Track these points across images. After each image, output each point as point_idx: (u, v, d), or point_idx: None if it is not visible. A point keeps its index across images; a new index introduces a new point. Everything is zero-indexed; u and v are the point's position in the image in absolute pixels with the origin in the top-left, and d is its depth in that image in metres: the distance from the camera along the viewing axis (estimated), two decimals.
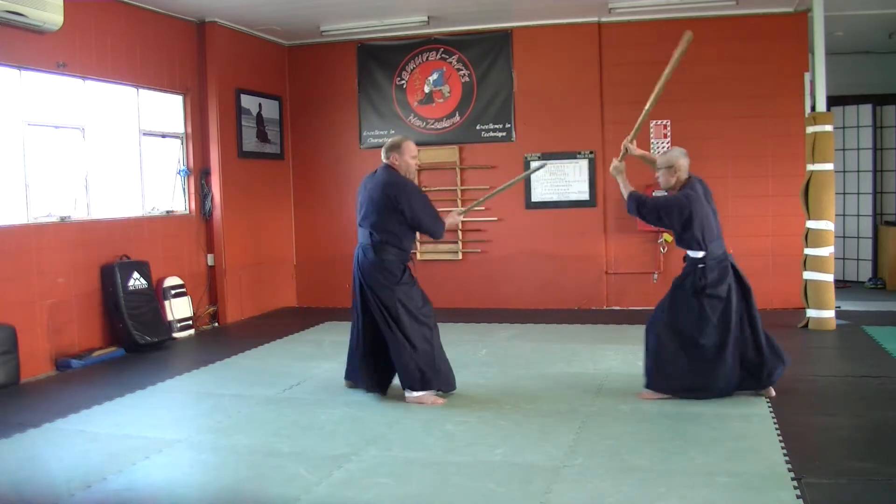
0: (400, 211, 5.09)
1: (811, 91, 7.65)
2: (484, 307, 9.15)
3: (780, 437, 4.25)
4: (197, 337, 8.06)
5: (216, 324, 8.67)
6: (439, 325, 8.32)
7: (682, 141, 8.75)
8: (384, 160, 5.38)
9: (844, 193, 10.19)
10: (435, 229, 5.23)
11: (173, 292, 7.91)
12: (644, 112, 5.29)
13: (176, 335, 7.83)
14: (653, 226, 5.45)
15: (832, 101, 8.49)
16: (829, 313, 7.33)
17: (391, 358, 5.16)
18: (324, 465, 4.07)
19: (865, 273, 10.23)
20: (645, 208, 5.04)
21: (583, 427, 4.56)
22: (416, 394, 5.11)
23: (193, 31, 8.51)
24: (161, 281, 7.83)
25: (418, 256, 9.56)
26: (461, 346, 7.00)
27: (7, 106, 6.37)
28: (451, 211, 5.73)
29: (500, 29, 9.14)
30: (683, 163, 5.06)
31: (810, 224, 7.34)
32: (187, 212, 8.51)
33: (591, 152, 8.96)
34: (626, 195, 5.17)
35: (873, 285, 9.96)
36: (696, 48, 8.60)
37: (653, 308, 5.28)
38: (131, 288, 7.26)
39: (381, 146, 9.53)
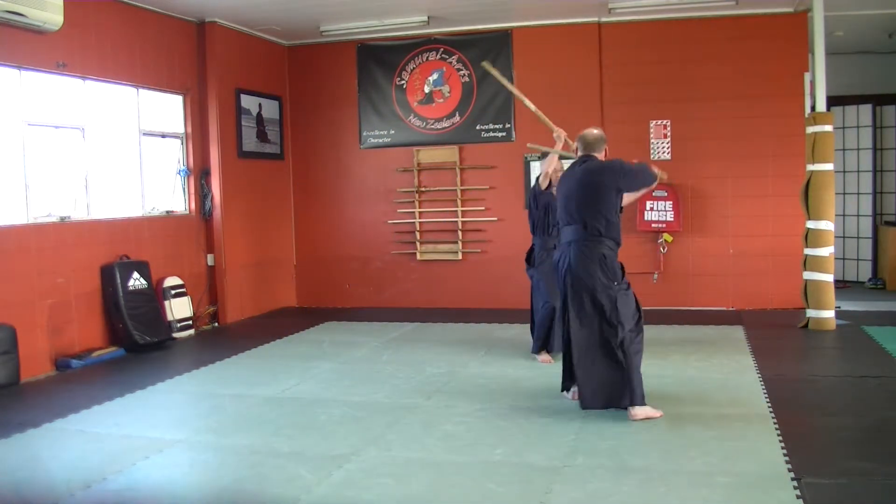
0: None
1: (811, 91, 7.65)
2: (484, 307, 9.15)
3: (780, 437, 4.25)
4: (197, 337, 8.06)
5: (216, 324, 8.67)
6: (439, 324, 8.35)
7: (682, 141, 8.79)
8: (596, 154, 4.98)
9: (844, 193, 10.19)
10: None
11: (173, 292, 7.91)
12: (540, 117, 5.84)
13: (176, 335, 7.82)
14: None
15: (832, 101, 8.49)
16: (829, 313, 7.33)
17: None
18: (324, 465, 4.07)
19: (865, 273, 10.23)
20: None
21: (583, 427, 4.56)
22: None
23: (193, 31, 8.50)
24: (161, 281, 7.82)
25: (418, 256, 9.57)
26: (461, 346, 7.01)
27: (7, 106, 6.37)
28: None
29: (500, 29, 9.14)
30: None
31: (810, 224, 7.34)
32: (187, 212, 8.51)
33: None
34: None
35: (873, 285, 9.96)
36: (696, 48, 8.71)
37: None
38: (131, 288, 7.26)
39: (380, 146, 9.74)
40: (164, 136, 8.24)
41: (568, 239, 4.83)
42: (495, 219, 9.28)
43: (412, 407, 5.10)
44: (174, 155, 8.40)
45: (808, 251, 7.38)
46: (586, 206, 4.75)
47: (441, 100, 9.40)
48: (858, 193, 10.32)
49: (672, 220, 8.63)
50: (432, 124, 9.45)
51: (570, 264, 4.77)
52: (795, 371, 5.93)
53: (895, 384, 5.31)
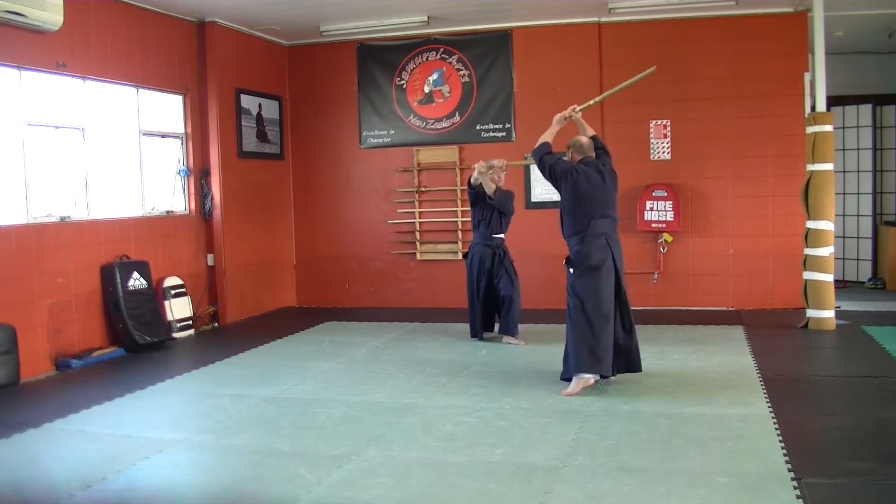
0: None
1: (811, 91, 7.65)
2: None
3: (780, 437, 4.25)
4: (197, 337, 8.06)
5: (216, 324, 8.67)
6: (439, 324, 8.35)
7: (682, 141, 8.79)
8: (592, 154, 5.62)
9: (844, 193, 10.19)
10: None
11: (173, 292, 7.91)
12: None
13: (176, 335, 7.82)
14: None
15: (832, 101, 8.49)
16: (829, 313, 7.33)
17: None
18: (324, 465, 4.07)
19: (865, 273, 10.23)
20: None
21: (583, 427, 4.56)
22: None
23: (193, 31, 8.50)
24: (161, 281, 7.82)
25: (418, 256, 9.57)
26: (461, 346, 7.01)
27: (7, 106, 6.37)
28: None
29: (500, 29, 9.14)
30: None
31: (810, 224, 7.34)
32: (187, 212, 8.51)
33: None
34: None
35: (873, 285, 9.96)
36: (696, 48, 8.72)
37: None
38: (131, 288, 7.26)
39: (380, 146, 9.74)
40: (164, 136, 8.24)
41: (604, 231, 5.36)
42: None
43: (412, 407, 5.10)
44: (174, 155, 8.40)
45: (808, 251, 7.38)
46: (613, 201, 5.49)
47: (441, 100, 9.40)
48: (858, 193, 10.32)
49: (672, 220, 8.63)
50: (432, 124, 9.45)
51: (613, 253, 5.37)
52: (795, 371, 5.93)
53: (895, 384, 5.32)
